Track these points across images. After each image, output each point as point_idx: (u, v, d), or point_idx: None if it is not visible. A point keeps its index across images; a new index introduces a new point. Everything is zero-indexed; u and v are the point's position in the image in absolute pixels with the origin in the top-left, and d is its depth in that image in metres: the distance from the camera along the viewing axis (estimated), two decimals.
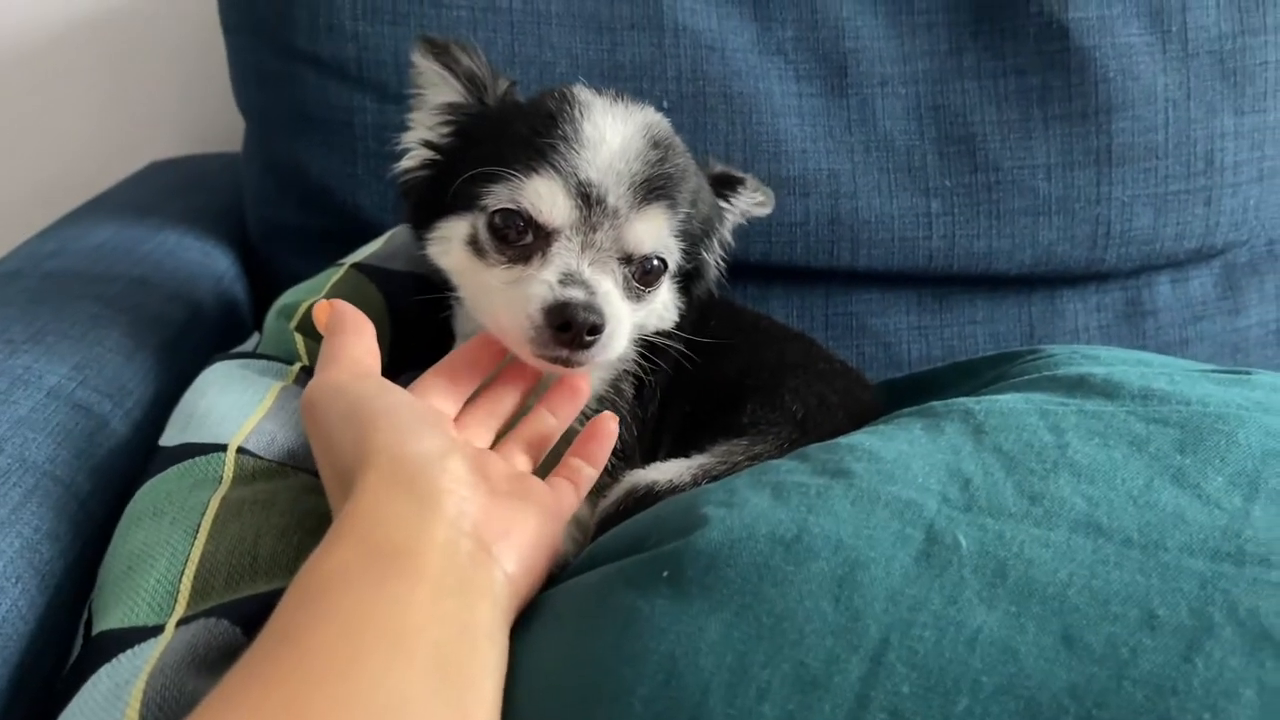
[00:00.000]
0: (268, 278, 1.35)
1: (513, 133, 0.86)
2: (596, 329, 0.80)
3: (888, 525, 0.59)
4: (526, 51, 1.26)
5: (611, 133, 0.85)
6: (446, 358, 0.84)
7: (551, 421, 0.85)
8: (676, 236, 0.89)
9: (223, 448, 0.82)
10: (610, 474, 0.90)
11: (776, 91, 1.31)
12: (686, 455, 0.88)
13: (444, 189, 0.88)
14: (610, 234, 0.84)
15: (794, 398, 0.94)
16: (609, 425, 0.83)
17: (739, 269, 1.22)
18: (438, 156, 0.93)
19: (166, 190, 1.49)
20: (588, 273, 0.82)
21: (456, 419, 0.81)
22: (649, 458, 0.93)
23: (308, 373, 0.96)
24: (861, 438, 0.73)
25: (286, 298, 1.05)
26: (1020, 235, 1.34)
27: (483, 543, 0.62)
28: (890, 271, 1.36)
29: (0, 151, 1.71)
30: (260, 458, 0.83)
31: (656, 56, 1.28)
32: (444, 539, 0.60)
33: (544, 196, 0.82)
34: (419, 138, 0.94)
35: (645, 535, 0.65)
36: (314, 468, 0.75)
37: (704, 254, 0.98)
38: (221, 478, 0.80)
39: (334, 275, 1.05)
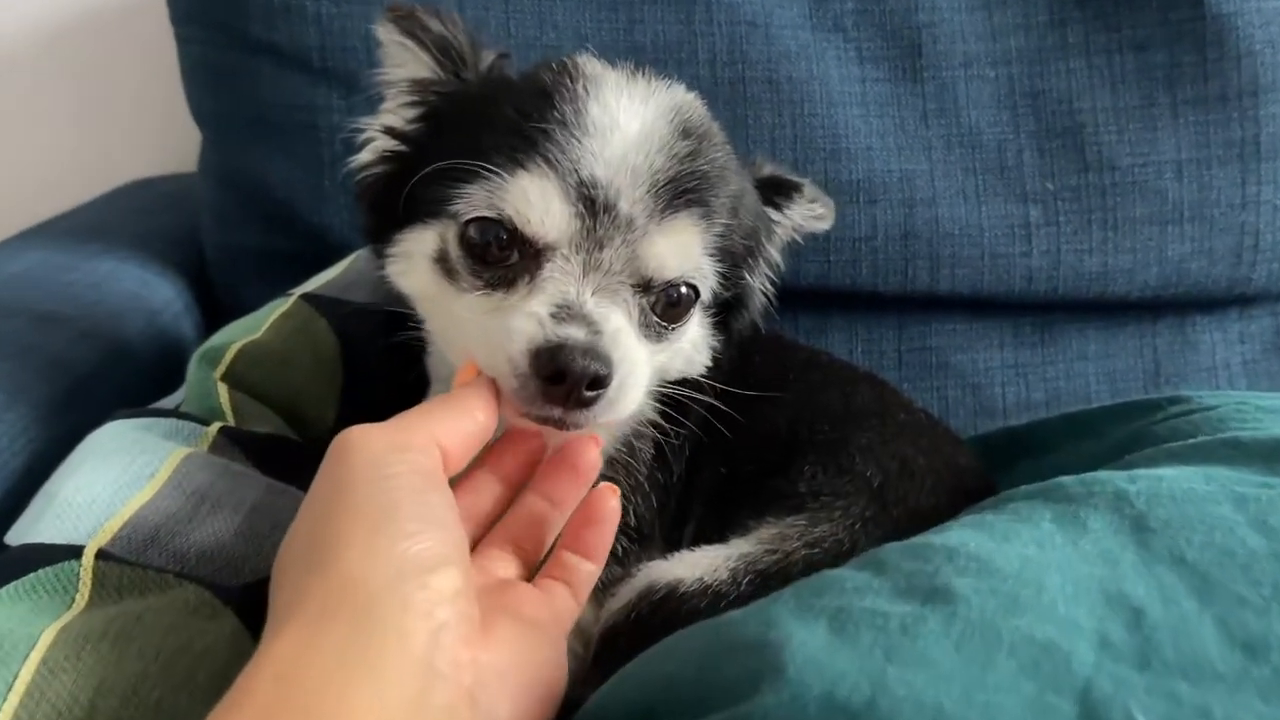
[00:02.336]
0: (224, 311, 1.25)
1: (496, 116, 0.73)
2: (600, 381, 0.66)
3: (1016, 687, 0.45)
4: (525, 32, 1.15)
5: (627, 116, 0.72)
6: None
7: (545, 508, 0.70)
8: (711, 256, 0.76)
9: (78, 552, 0.66)
10: (621, 563, 0.80)
11: (834, 76, 1.22)
12: (722, 537, 0.78)
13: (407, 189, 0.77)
14: (622, 252, 0.71)
15: (866, 459, 0.83)
16: (609, 504, 0.68)
17: (790, 294, 1.05)
18: (402, 147, 0.80)
19: (128, 211, 1.40)
20: (590, 304, 0.69)
21: None
22: (674, 536, 0.84)
23: (228, 435, 0.82)
24: (964, 535, 0.59)
25: (215, 339, 0.93)
26: (1143, 250, 1.25)
27: (466, 691, 0.51)
28: (979, 296, 1.27)
29: None
30: (131, 563, 0.67)
31: (685, 35, 1.18)
32: (403, 691, 0.47)
33: (533, 201, 0.70)
34: (382, 124, 0.82)
35: (650, 710, 0.52)
36: (210, 574, 0.66)
37: (747, 278, 0.85)
38: (73, 598, 0.64)
39: (278, 309, 0.94)
